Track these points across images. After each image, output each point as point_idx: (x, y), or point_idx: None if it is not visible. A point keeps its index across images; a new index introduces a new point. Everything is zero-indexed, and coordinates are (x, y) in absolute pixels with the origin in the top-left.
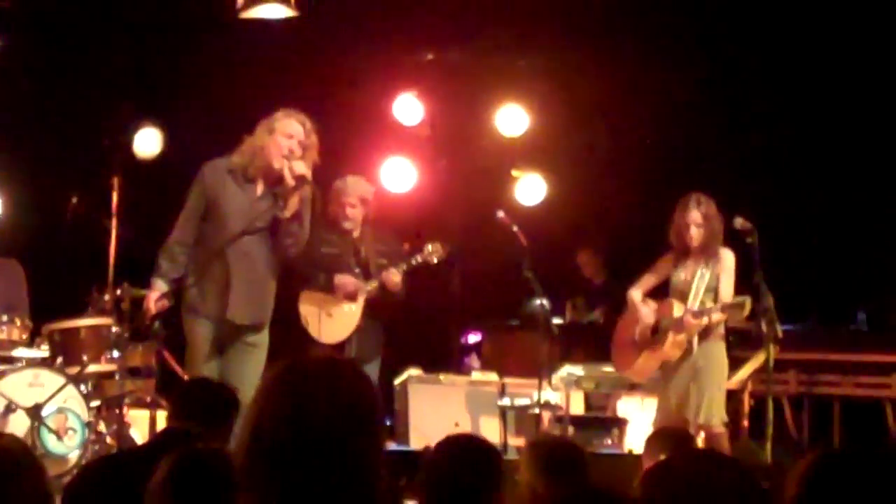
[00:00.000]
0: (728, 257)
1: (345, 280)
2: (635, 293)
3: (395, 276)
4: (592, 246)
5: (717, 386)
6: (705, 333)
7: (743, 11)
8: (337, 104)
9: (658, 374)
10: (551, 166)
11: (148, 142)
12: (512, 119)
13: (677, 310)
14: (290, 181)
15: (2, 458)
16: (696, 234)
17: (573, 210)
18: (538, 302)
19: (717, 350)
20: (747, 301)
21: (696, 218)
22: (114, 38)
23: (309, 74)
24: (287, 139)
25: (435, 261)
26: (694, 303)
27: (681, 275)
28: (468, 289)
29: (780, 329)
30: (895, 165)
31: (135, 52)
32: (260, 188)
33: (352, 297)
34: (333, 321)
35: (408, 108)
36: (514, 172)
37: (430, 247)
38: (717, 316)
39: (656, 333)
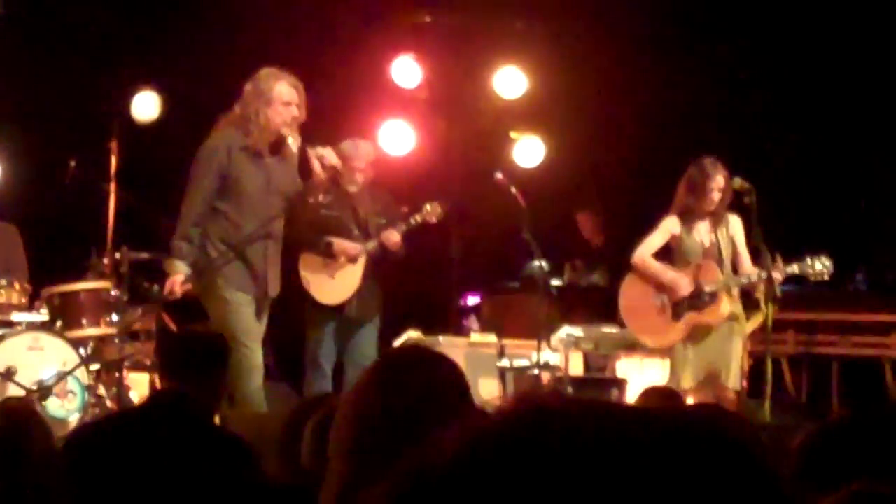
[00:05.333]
0: (738, 221)
1: (344, 246)
2: (649, 258)
3: (394, 236)
4: (591, 207)
5: (745, 351)
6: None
7: None
8: (335, 67)
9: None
10: (550, 128)
11: (146, 106)
12: (510, 81)
13: (719, 274)
14: (321, 172)
15: (12, 420)
16: (717, 198)
17: (572, 172)
18: (537, 263)
19: (743, 316)
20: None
21: (720, 182)
22: (110, 2)
23: (306, 37)
24: (286, 107)
25: (434, 220)
26: (727, 267)
27: (696, 239)
28: (467, 251)
29: (778, 289)
30: (892, 126)
31: (131, 16)
32: (268, 157)
33: (353, 260)
34: (335, 283)
35: (406, 70)
36: (513, 134)
37: (428, 206)
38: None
39: (697, 296)
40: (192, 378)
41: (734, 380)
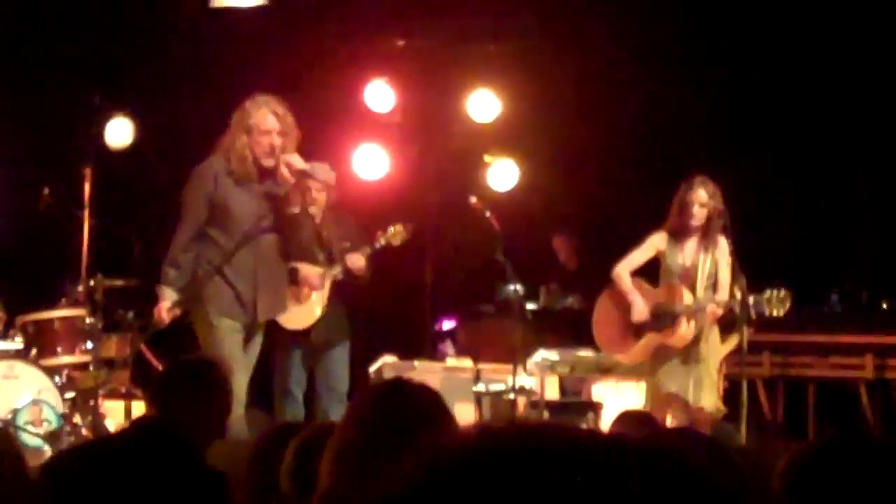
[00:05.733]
0: (726, 245)
1: (308, 273)
2: (625, 273)
3: (359, 261)
4: (566, 231)
5: (716, 371)
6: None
7: None
8: (308, 92)
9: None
10: (524, 151)
11: (119, 132)
12: (484, 104)
13: (687, 297)
14: (291, 178)
15: None
16: (698, 213)
17: (546, 195)
18: (512, 287)
19: (716, 336)
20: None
21: (702, 197)
22: (84, 28)
23: (280, 62)
24: (265, 136)
25: (398, 242)
26: (700, 291)
27: (678, 259)
28: (442, 275)
29: (753, 312)
30: (866, 147)
31: (105, 42)
32: (257, 184)
33: (316, 287)
34: (299, 308)
35: (379, 94)
36: (487, 158)
37: (392, 228)
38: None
39: (660, 317)
40: (184, 406)
41: (707, 400)
